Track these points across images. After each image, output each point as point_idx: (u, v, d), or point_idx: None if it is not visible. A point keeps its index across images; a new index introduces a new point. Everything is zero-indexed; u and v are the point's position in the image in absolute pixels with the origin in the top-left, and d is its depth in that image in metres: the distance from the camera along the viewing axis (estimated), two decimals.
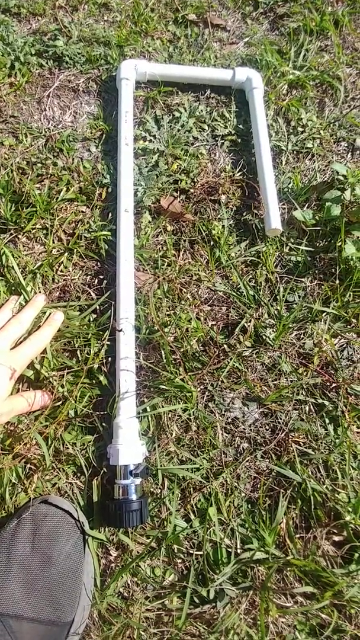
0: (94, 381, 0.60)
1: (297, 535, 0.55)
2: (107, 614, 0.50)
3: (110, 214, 0.71)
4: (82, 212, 0.71)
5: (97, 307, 0.64)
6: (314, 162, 0.81)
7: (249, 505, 0.57)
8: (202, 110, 0.83)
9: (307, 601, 0.53)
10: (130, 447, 0.53)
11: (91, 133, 0.79)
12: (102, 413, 0.58)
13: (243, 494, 0.57)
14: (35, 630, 0.47)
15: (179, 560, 0.53)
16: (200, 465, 0.57)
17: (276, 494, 0.57)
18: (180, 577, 0.53)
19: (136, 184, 0.73)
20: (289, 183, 0.78)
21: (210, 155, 0.79)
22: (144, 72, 0.81)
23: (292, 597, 0.53)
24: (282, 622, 0.52)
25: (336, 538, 0.55)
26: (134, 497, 0.51)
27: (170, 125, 0.80)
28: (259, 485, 0.57)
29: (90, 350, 0.60)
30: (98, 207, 0.71)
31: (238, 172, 0.77)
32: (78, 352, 0.61)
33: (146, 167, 0.75)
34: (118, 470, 0.53)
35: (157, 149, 0.77)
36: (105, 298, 0.64)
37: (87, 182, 0.73)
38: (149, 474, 0.56)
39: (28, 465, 0.55)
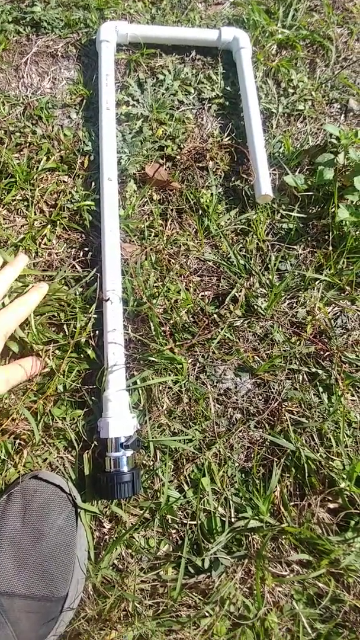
0: (82, 355, 0.59)
1: (292, 503, 0.55)
2: (102, 587, 0.50)
3: (93, 183, 0.68)
4: (64, 182, 0.69)
5: (83, 280, 0.63)
6: (306, 124, 0.79)
7: (243, 475, 0.56)
8: (187, 73, 0.80)
9: (303, 569, 0.53)
10: (120, 419, 0.53)
11: (71, 99, 0.76)
12: (91, 387, 0.57)
13: (237, 464, 0.57)
14: (28, 607, 0.47)
15: (173, 531, 0.53)
16: (193, 437, 0.57)
17: (270, 462, 0.57)
18: (174, 547, 0.53)
19: (119, 151, 0.71)
20: (280, 147, 0.75)
21: (197, 120, 0.77)
22: (125, 34, 0.78)
23: (288, 566, 0.54)
24: (279, 591, 0.53)
25: (331, 505, 0.55)
26: (125, 468, 0.51)
27: (154, 89, 0.77)
28: (252, 455, 0.57)
29: (76, 324, 0.59)
30: (80, 176, 0.69)
31: (226, 136, 0.75)
32: (65, 327, 0.60)
33: (130, 133, 0.73)
34: (109, 443, 0.52)
35: (141, 114, 0.74)
36: (91, 270, 0.63)
37: (68, 151, 0.70)
38: (141, 446, 0.55)
39: (17, 441, 0.55)
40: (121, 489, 0.50)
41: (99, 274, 0.62)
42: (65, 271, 0.62)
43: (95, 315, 0.60)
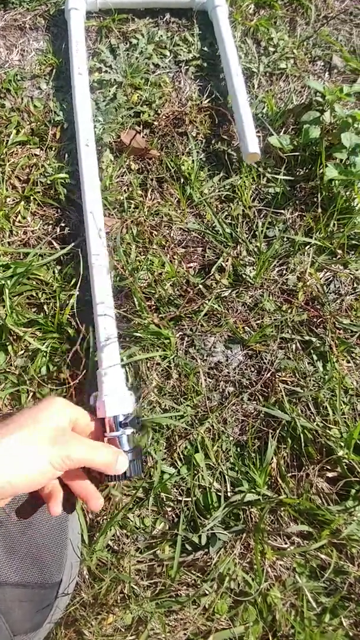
0: (64, 335, 0.57)
1: (289, 475, 0.54)
2: (97, 570, 0.49)
3: (67, 155, 0.66)
4: (36, 155, 0.66)
5: (62, 258, 0.61)
6: (289, 83, 0.76)
7: (238, 449, 0.55)
8: (162, 36, 0.77)
9: (304, 541, 0.53)
10: (117, 396, 0.50)
11: (40, 69, 0.73)
12: (75, 370, 0.56)
13: (231, 438, 0.56)
14: (21, 595, 0.46)
15: (169, 509, 0.53)
16: (185, 413, 0.55)
17: (265, 435, 0.55)
18: (170, 526, 0.52)
19: (94, 120, 0.68)
20: (263, 108, 0.73)
21: (174, 83, 0.74)
22: (94, 0, 0.75)
23: (288, 538, 0.53)
24: (280, 565, 0.52)
25: (330, 474, 0.54)
26: (126, 447, 0.48)
27: (128, 54, 0.75)
28: (247, 428, 0.56)
29: (57, 303, 0.57)
30: (53, 148, 0.67)
31: (206, 99, 0.73)
32: (45, 307, 0.58)
33: (103, 101, 0.70)
34: (107, 423, 0.49)
35: (115, 80, 0.72)
36: (70, 248, 0.61)
37: (39, 122, 0.68)
38: (140, 424, 0.53)
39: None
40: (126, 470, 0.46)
41: (79, 249, 0.60)
42: (41, 248, 0.60)
43: (78, 292, 0.58)
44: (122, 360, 0.56)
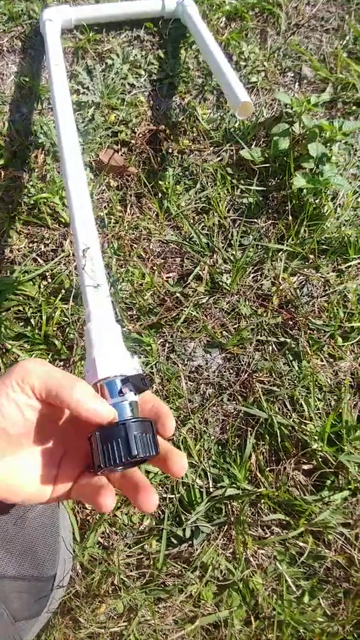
0: (51, 347, 0.62)
1: (268, 469, 0.59)
2: (89, 565, 0.54)
3: (48, 175, 0.71)
4: (19, 177, 0.71)
5: (47, 274, 0.66)
6: (260, 96, 0.81)
7: (219, 447, 0.60)
8: (136, 55, 0.82)
9: (283, 531, 0.57)
10: (111, 355, 0.38)
11: (20, 93, 0.78)
12: None
13: (212, 437, 0.60)
14: (19, 587, 0.51)
15: None
16: None
17: (244, 432, 0.60)
18: (157, 522, 0.57)
19: None
20: (235, 122, 0.78)
21: (150, 102, 0.79)
22: (69, 18, 0.79)
23: (268, 528, 0.57)
24: (262, 553, 0.57)
25: (305, 467, 0.59)
26: (129, 416, 0.34)
27: (104, 74, 0.79)
28: (227, 427, 0.61)
29: (43, 317, 0.62)
30: (35, 169, 0.71)
31: (181, 116, 0.77)
32: (32, 320, 0.63)
33: (82, 122, 0.75)
34: (100, 390, 0.36)
35: (92, 101, 0.77)
36: (54, 264, 0.66)
37: (21, 146, 0.73)
38: (147, 385, 0.36)
39: None
40: (127, 448, 0.31)
41: (63, 264, 0.65)
42: (26, 265, 0.65)
43: (65, 305, 0.63)
44: None
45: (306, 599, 0.55)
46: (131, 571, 0.54)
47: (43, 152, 0.73)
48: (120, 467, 0.34)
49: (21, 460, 0.35)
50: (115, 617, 0.52)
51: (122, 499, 0.57)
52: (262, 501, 0.58)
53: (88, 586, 0.53)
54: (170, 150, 0.75)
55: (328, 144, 0.73)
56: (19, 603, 0.49)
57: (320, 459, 0.59)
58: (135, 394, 0.35)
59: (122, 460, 0.31)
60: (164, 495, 0.57)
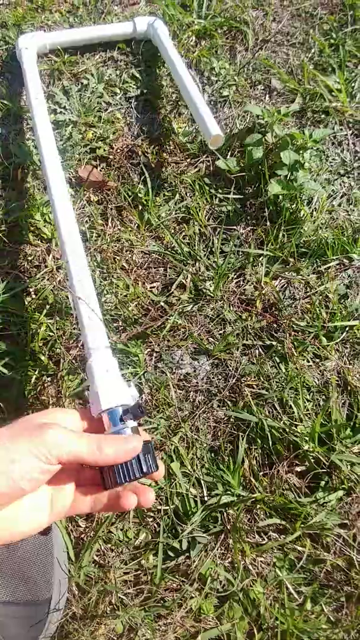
0: (37, 362, 0.60)
1: (262, 473, 0.57)
2: (85, 585, 0.51)
3: (28, 193, 0.70)
4: (0, 196, 0.70)
5: (30, 290, 0.64)
6: (232, 109, 0.81)
7: (212, 454, 0.58)
8: (111, 74, 0.81)
9: (280, 537, 0.55)
10: (111, 388, 0.41)
11: None
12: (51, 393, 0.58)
13: (204, 445, 0.58)
14: (14, 612, 0.47)
15: (150, 519, 0.55)
16: (158, 425, 0.58)
17: (236, 438, 0.58)
18: (153, 535, 0.54)
19: None
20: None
21: (126, 118, 0.78)
22: (44, 43, 0.79)
23: (265, 534, 0.55)
24: (261, 561, 0.54)
25: (298, 469, 0.57)
26: None
27: (80, 94, 0.79)
28: (218, 434, 0.59)
29: (28, 333, 0.60)
30: (14, 188, 0.70)
31: (156, 130, 0.77)
32: (17, 337, 0.61)
33: (60, 140, 0.74)
34: (104, 418, 0.40)
35: (69, 119, 0.76)
36: (37, 279, 0.64)
37: (1, 165, 0.71)
38: (145, 413, 0.44)
39: None
40: (130, 467, 0.36)
41: (46, 280, 0.63)
42: (9, 282, 0.63)
43: (50, 320, 0.61)
44: None
45: (308, 605, 0.53)
46: (129, 588, 0.51)
47: (22, 170, 0.72)
48: (129, 482, 0.37)
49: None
50: (115, 639, 0.49)
51: (116, 514, 0.54)
52: (258, 506, 0.56)
53: (85, 607, 0.50)
54: (148, 164, 0.74)
55: (300, 151, 0.73)
56: (15, 630, 0.46)
57: (312, 460, 0.57)
58: (134, 421, 0.39)
59: (136, 476, 0.36)
60: (159, 507, 0.55)
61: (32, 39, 0.78)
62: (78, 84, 0.81)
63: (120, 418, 0.39)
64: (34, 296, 0.64)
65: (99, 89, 0.79)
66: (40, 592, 0.49)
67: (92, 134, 0.75)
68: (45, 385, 0.59)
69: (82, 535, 0.53)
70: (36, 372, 0.59)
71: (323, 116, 0.82)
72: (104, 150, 0.74)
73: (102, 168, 0.74)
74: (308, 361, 0.63)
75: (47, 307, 0.62)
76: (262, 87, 0.85)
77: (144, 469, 0.37)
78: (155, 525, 0.55)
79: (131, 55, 0.84)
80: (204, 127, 0.68)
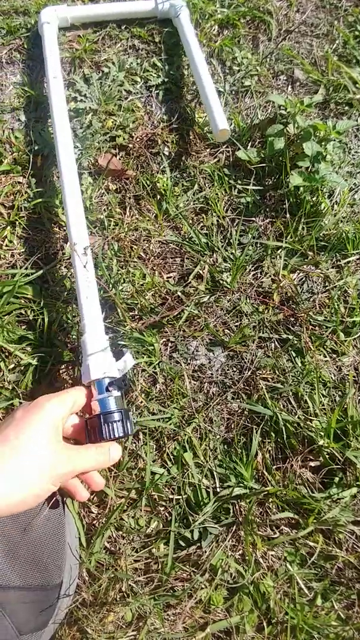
0: (53, 349, 0.57)
1: (275, 467, 0.54)
2: (96, 572, 0.49)
3: (48, 180, 0.67)
4: (19, 182, 0.67)
5: (48, 277, 0.61)
6: (254, 99, 0.77)
7: (225, 446, 0.55)
8: (132, 63, 0.78)
9: (292, 531, 0.52)
10: (100, 360, 0.47)
11: (19, 102, 0.74)
12: (68, 378, 0.56)
13: (218, 436, 0.55)
14: (24, 597, 0.46)
15: (161, 508, 0.52)
16: (172, 415, 0.55)
17: (250, 431, 0.55)
18: (164, 524, 0.52)
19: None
20: (231, 125, 0.73)
21: (146, 107, 0.75)
22: (65, 16, 0.76)
23: (277, 528, 0.52)
24: (272, 555, 0.52)
25: (312, 464, 0.54)
26: (113, 408, 0.44)
27: (101, 82, 0.75)
28: (232, 426, 0.56)
29: (45, 319, 0.57)
30: (34, 175, 0.67)
31: (176, 120, 0.73)
32: (34, 323, 0.58)
33: (80, 128, 0.71)
34: (92, 387, 0.46)
35: (90, 108, 0.72)
36: (54, 266, 0.61)
37: (20, 152, 0.68)
38: (128, 386, 0.52)
39: None
40: (110, 429, 0.43)
41: (63, 266, 0.60)
42: (27, 268, 0.60)
43: (68, 308, 0.58)
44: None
45: (319, 601, 0.50)
46: (139, 576, 0.49)
47: (42, 157, 0.69)
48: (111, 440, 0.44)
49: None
50: (124, 626, 0.47)
51: (128, 501, 0.52)
52: (270, 500, 0.53)
53: (95, 594, 0.48)
54: (167, 153, 0.71)
55: (323, 143, 0.68)
56: (24, 615, 0.44)
57: (327, 456, 0.54)
58: (118, 391, 0.46)
59: (115, 436, 0.43)
60: (171, 497, 0.52)
61: (55, 13, 0.75)
62: (99, 72, 0.77)
63: (106, 388, 0.46)
64: (51, 283, 0.61)
65: (120, 77, 0.76)
66: (51, 578, 0.47)
67: (112, 122, 0.72)
68: (60, 371, 0.57)
69: (94, 522, 0.51)
70: (52, 359, 0.57)
71: (347, 108, 0.77)
72: (124, 138, 0.71)
73: (122, 157, 0.71)
74: (325, 356, 0.59)
75: (64, 294, 0.60)
76: (285, 78, 0.80)
77: (117, 434, 0.43)
78: (167, 514, 0.52)
79: (152, 44, 0.80)
80: (212, 119, 0.66)
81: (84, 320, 0.50)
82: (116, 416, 0.44)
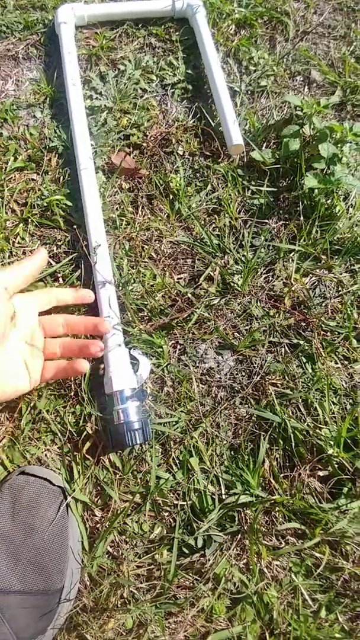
0: None
1: (282, 475, 0.51)
2: (98, 577, 0.46)
3: (62, 178, 0.64)
4: (33, 179, 0.64)
5: (58, 275, 0.59)
6: (270, 100, 0.73)
7: (232, 452, 0.52)
8: (148, 61, 0.74)
9: (298, 541, 0.49)
10: (122, 372, 0.50)
11: (35, 99, 0.71)
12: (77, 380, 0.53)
13: (224, 442, 0.53)
14: (25, 602, 0.43)
15: (166, 513, 0.50)
16: (179, 419, 0.53)
17: (257, 437, 0.52)
18: (168, 530, 0.49)
19: None
20: (246, 124, 0.70)
21: (161, 106, 0.72)
22: (82, 15, 0.73)
23: (283, 538, 0.50)
24: (276, 565, 0.49)
25: (321, 473, 0.51)
26: (134, 417, 0.48)
27: (117, 80, 0.72)
28: (239, 432, 0.53)
29: None
30: (48, 172, 0.65)
31: (191, 119, 0.70)
32: None
33: (95, 126, 0.68)
34: (115, 397, 0.50)
35: (105, 105, 0.70)
36: (66, 264, 0.59)
37: (35, 149, 0.66)
38: (146, 397, 0.53)
39: (3, 438, 0.51)
40: (132, 437, 0.47)
41: (75, 265, 0.58)
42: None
43: (77, 307, 0.56)
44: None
45: (323, 613, 0.47)
46: (141, 583, 0.47)
47: (56, 155, 0.66)
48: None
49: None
50: (124, 634, 0.44)
51: (132, 505, 0.49)
52: (277, 509, 0.50)
53: (96, 599, 0.45)
54: (181, 152, 0.68)
55: (339, 145, 0.65)
56: (24, 620, 0.42)
57: (336, 465, 0.51)
58: (138, 401, 0.50)
59: (141, 440, 0.48)
60: (175, 502, 0.50)
61: (72, 11, 0.72)
62: (115, 70, 0.74)
63: (127, 398, 0.49)
64: (61, 281, 0.59)
65: (136, 75, 0.73)
66: (52, 582, 0.44)
67: (127, 120, 0.69)
68: None
69: (98, 525, 0.49)
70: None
71: None
72: (138, 137, 0.68)
73: (135, 155, 0.68)
74: (336, 363, 0.56)
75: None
76: (301, 79, 0.77)
77: (137, 440, 0.48)
78: (171, 520, 0.50)
79: (169, 42, 0.77)
80: (226, 132, 0.65)
81: (107, 338, 0.52)
82: (136, 425, 0.48)
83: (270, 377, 0.55)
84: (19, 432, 0.51)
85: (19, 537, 0.45)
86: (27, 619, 0.42)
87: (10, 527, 0.45)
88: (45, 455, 0.51)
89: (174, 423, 0.53)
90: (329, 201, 0.63)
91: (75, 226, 0.62)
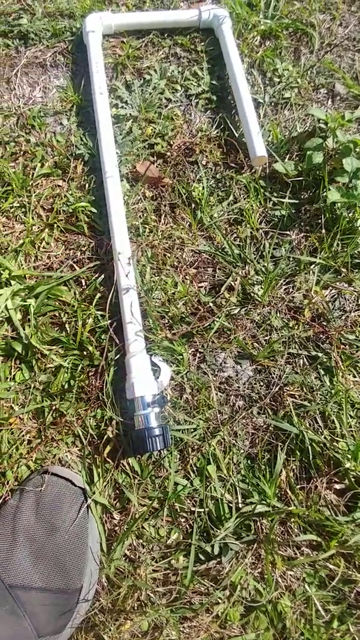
0: (84, 352, 0.56)
1: (299, 487, 0.51)
2: (115, 578, 0.47)
3: (87, 185, 0.65)
4: (59, 186, 0.65)
5: (82, 280, 0.60)
6: (293, 112, 0.73)
7: (249, 461, 0.53)
8: (173, 71, 0.75)
9: (313, 552, 0.49)
10: (144, 379, 0.51)
11: (62, 106, 0.72)
12: (96, 382, 0.54)
13: (242, 451, 0.53)
14: (45, 599, 0.44)
15: (183, 519, 0.50)
16: (197, 426, 0.53)
17: (274, 447, 0.53)
18: (184, 536, 0.49)
19: None
20: (269, 136, 0.70)
21: (185, 116, 0.72)
22: (109, 24, 0.74)
23: (298, 549, 0.50)
24: (291, 575, 0.49)
25: (337, 486, 0.51)
26: (154, 424, 0.49)
27: (142, 89, 0.73)
28: (257, 441, 0.53)
29: (78, 322, 0.56)
30: (74, 179, 0.65)
31: (215, 129, 0.70)
32: (67, 326, 0.57)
33: (120, 134, 0.69)
34: (136, 403, 0.50)
35: (130, 114, 0.70)
36: (89, 270, 0.59)
37: (61, 156, 0.67)
38: (166, 403, 0.53)
39: (27, 438, 0.52)
40: (153, 442, 0.48)
41: (98, 272, 0.59)
42: (62, 271, 0.59)
43: (100, 313, 0.57)
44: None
45: (335, 624, 0.47)
46: (157, 587, 0.47)
47: (82, 162, 0.67)
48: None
49: None
50: (140, 636, 0.45)
51: (150, 510, 0.50)
52: (292, 520, 0.50)
53: (114, 601, 0.46)
54: (204, 163, 0.68)
55: None
56: (44, 617, 0.43)
57: (353, 479, 0.51)
58: (158, 408, 0.50)
59: (162, 446, 0.48)
60: (192, 509, 0.50)
61: (99, 20, 0.73)
62: (140, 79, 0.75)
63: (148, 404, 0.50)
64: (84, 286, 0.60)
65: (161, 84, 0.73)
66: (72, 581, 0.45)
67: (152, 130, 0.69)
68: (89, 374, 0.55)
69: (116, 528, 0.49)
70: (82, 362, 0.55)
71: None
72: (162, 146, 0.68)
73: (159, 164, 0.68)
74: (354, 376, 0.56)
75: (97, 297, 0.58)
76: (325, 91, 0.77)
77: (157, 446, 0.48)
78: (188, 526, 0.50)
79: (194, 53, 0.77)
80: (250, 143, 0.66)
81: (129, 345, 0.53)
82: (157, 431, 0.48)
83: (288, 388, 0.55)
84: (41, 433, 0.51)
85: (42, 535, 0.46)
86: (47, 616, 0.43)
87: (34, 524, 0.46)
88: (67, 456, 0.52)
89: (192, 430, 0.53)
90: (350, 215, 0.63)
91: (99, 233, 0.62)
